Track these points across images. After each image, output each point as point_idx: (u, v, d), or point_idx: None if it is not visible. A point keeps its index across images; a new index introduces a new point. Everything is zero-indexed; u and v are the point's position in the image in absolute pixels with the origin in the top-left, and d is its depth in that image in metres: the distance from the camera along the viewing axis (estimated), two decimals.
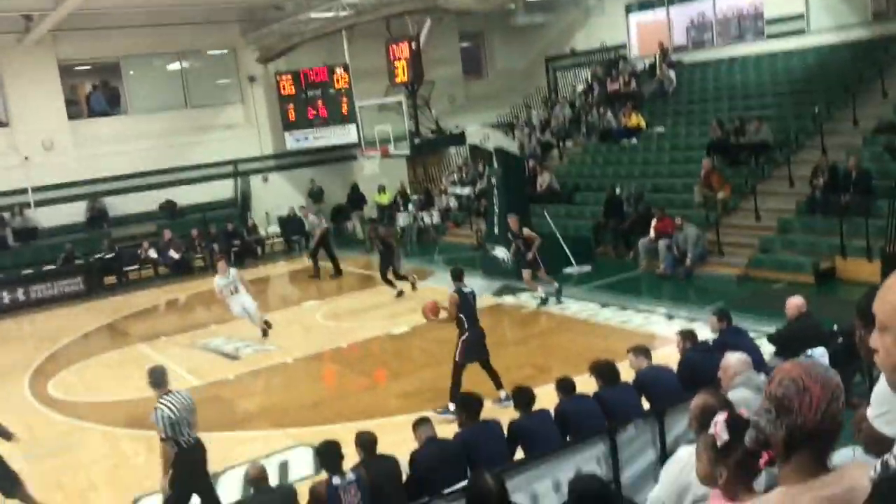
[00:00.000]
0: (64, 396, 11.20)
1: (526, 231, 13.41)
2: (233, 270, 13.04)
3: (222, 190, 22.62)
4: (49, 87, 20.29)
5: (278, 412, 9.67)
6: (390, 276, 14.88)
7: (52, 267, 18.64)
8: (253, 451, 8.25)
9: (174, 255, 19.56)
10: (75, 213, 20.59)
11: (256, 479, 5.64)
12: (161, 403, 6.29)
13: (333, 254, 17.67)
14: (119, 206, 21.10)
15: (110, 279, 19.10)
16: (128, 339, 14.13)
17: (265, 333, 12.84)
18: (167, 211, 21.51)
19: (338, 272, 17.47)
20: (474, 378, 8.63)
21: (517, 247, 13.43)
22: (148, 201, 21.38)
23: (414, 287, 14.77)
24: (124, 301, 17.38)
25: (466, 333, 8.77)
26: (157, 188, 21.47)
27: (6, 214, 19.76)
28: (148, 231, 20.59)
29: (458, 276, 9.30)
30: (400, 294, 14.66)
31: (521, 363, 10.36)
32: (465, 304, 8.85)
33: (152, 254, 19.66)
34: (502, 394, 8.58)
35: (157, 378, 6.54)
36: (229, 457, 8.15)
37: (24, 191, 19.98)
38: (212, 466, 7.92)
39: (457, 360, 8.75)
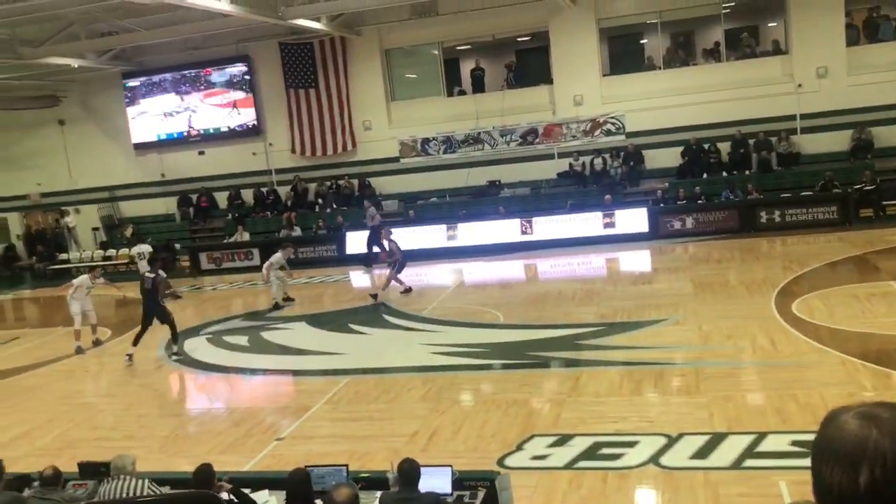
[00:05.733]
0: (806, 317, 11.57)
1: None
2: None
3: None
4: (833, 16, 20.28)
5: None
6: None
7: (810, 193, 19.11)
8: None
9: None
10: (839, 141, 20.50)
11: None
12: None
13: None
14: (886, 137, 20.16)
15: (866, 211, 18.66)
16: (878, 274, 13.68)
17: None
18: None
19: None
20: None
21: None
22: None
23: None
24: (879, 235, 16.77)
25: None
26: None
27: (773, 139, 20.83)
28: None
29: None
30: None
31: None
32: None
33: None
34: None
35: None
36: None
37: (792, 117, 20.70)
38: None
39: None
